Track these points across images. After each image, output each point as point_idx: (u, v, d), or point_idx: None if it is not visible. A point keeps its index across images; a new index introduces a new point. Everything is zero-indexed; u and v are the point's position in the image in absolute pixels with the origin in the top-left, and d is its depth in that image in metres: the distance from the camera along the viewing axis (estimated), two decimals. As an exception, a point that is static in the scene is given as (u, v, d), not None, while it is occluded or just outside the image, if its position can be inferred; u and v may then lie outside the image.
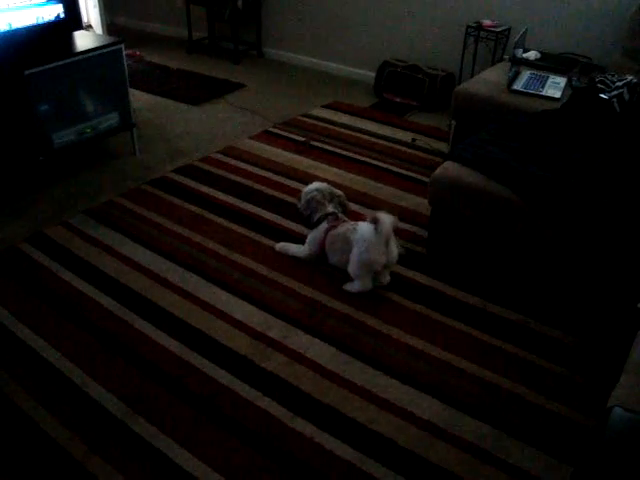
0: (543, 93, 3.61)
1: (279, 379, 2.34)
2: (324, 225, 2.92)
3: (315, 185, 3.04)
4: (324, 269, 2.96)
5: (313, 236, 2.97)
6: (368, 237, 2.71)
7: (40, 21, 3.50)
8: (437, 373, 2.39)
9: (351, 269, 2.80)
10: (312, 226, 2.98)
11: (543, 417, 2.21)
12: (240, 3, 5.73)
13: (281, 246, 3.10)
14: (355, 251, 2.76)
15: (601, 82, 3.31)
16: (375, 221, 2.68)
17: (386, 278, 2.86)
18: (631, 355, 1.80)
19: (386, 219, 2.67)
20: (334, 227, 2.88)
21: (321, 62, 5.81)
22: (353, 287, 2.82)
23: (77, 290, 2.78)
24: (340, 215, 2.97)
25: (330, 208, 2.97)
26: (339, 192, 3.08)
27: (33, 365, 2.37)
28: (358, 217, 3.08)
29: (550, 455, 2.07)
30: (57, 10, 3.58)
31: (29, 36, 3.46)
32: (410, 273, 2.95)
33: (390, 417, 2.20)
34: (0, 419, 2.15)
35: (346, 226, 2.85)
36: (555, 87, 3.70)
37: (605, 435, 1.41)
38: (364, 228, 2.75)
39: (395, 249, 2.79)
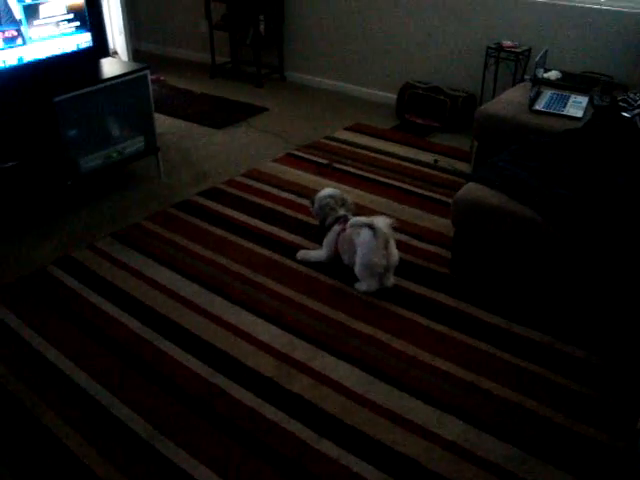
0: (565, 113, 3.61)
1: (304, 401, 2.35)
2: (336, 228, 3.08)
3: (328, 191, 3.21)
4: (347, 291, 2.97)
5: (328, 239, 3.11)
6: (367, 241, 2.84)
7: (69, 50, 3.58)
8: (462, 394, 2.39)
9: (356, 270, 2.94)
10: (326, 229, 3.13)
11: (570, 439, 2.19)
12: (262, 28, 5.81)
13: (302, 254, 3.21)
14: (358, 253, 2.90)
15: (623, 101, 3.31)
16: (371, 227, 2.82)
17: (390, 281, 2.97)
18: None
19: (382, 223, 2.85)
20: (344, 230, 3.02)
21: (343, 84, 5.86)
22: (360, 287, 2.97)
23: (104, 312, 2.82)
24: (350, 217, 3.09)
25: (341, 212, 3.15)
26: (349, 198, 3.27)
27: (61, 386, 2.40)
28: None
29: (578, 478, 2.05)
30: (85, 39, 3.66)
31: (58, 64, 3.54)
32: (434, 294, 2.95)
33: (415, 438, 2.19)
34: (29, 439, 2.18)
35: (351, 229, 2.97)
36: (577, 106, 3.70)
37: (635, 457, 1.40)
38: (364, 232, 2.88)
39: (395, 251, 2.93)
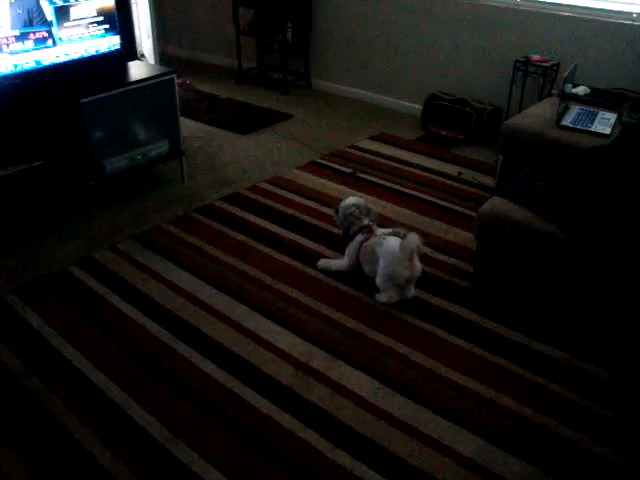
0: (592, 129, 3.57)
1: (321, 410, 2.34)
2: (360, 237, 3.06)
3: (352, 200, 3.20)
4: (367, 301, 2.96)
5: (350, 249, 3.10)
6: (393, 251, 2.85)
7: (98, 52, 3.62)
8: (480, 410, 2.36)
9: (378, 281, 2.93)
10: (349, 238, 3.12)
11: (588, 459, 2.16)
12: (289, 34, 5.83)
13: (323, 263, 3.21)
14: (381, 264, 2.89)
15: (652, 119, 3.27)
16: (403, 236, 2.85)
17: (410, 292, 2.96)
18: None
19: (412, 236, 2.82)
20: (367, 239, 3.02)
21: (368, 94, 5.85)
22: (381, 298, 2.95)
23: (123, 314, 2.83)
24: (374, 227, 3.10)
25: (366, 221, 3.12)
26: (373, 208, 3.27)
27: (79, 386, 2.42)
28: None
29: (596, 499, 2.03)
30: (115, 41, 3.69)
31: (87, 66, 3.59)
32: (454, 308, 2.93)
33: (431, 453, 2.17)
34: (46, 438, 2.19)
35: (375, 239, 2.98)
36: (605, 123, 3.66)
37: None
38: (390, 242, 2.90)
39: (419, 264, 2.93)
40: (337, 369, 2.54)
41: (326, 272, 3.16)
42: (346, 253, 3.13)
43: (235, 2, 5.93)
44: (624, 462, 2.15)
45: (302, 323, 2.81)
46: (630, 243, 2.48)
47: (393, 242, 2.87)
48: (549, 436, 2.25)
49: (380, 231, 3.03)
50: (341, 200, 3.26)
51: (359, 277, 3.07)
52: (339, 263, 3.15)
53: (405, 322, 2.83)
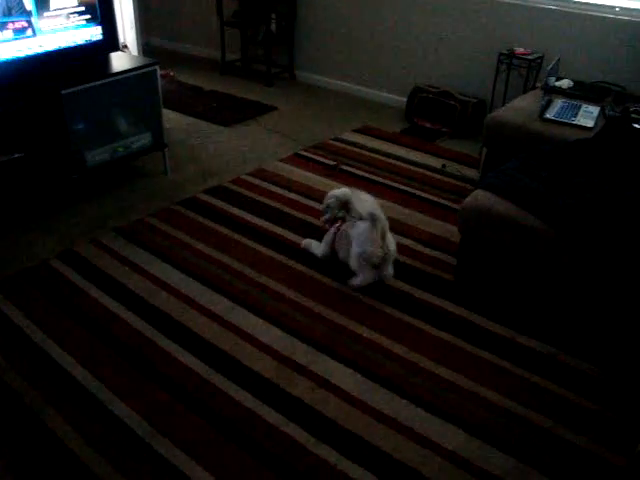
0: (576, 122, 3.58)
1: (303, 404, 2.33)
2: (335, 226, 3.13)
3: (335, 192, 3.21)
4: (351, 295, 2.95)
5: (326, 237, 3.16)
6: (364, 231, 2.87)
7: (79, 42, 3.57)
8: (463, 403, 2.36)
9: (352, 263, 2.97)
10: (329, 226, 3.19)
11: (571, 452, 2.17)
12: (274, 26, 5.80)
13: (306, 243, 3.29)
14: (354, 245, 2.92)
15: (635, 111, 3.28)
16: (371, 216, 2.85)
17: (389, 272, 3.00)
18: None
19: (381, 214, 2.87)
20: (339, 227, 3.10)
21: (353, 86, 5.84)
22: (356, 281, 2.97)
23: (105, 308, 2.80)
24: (348, 219, 3.12)
25: (340, 214, 3.16)
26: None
27: (60, 381, 2.39)
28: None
29: (578, 492, 2.03)
30: (96, 32, 3.65)
31: (68, 56, 3.53)
32: (437, 301, 2.93)
33: (415, 446, 2.17)
34: (26, 434, 2.17)
35: (347, 223, 3.04)
36: (588, 116, 3.67)
37: (636, 475, 1.38)
38: (360, 224, 2.93)
39: (392, 242, 2.96)
40: (320, 363, 2.53)
41: (308, 257, 3.23)
42: (323, 240, 3.18)
43: (219, -7, 5.90)
44: (605, 453, 2.16)
45: (285, 317, 2.79)
46: (612, 235, 2.48)
47: (363, 223, 2.91)
48: (532, 429, 2.26)
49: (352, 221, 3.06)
50: (323, 193, 3.28)
51: (333, 265, 3.11)
52: (317, 248, 3.21)
53: (388, 315, 2.83)
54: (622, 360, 2.59)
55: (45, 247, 3.25)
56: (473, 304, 2.90)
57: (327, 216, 3.18)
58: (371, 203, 2.98)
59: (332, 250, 3.11)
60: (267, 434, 2.20)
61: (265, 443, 2.16)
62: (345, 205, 3.15)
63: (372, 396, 2.38)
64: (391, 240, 2.95)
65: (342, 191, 3.20)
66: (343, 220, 3.11)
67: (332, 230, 3.12)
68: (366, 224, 2.88)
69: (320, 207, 3.28)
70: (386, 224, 2.89)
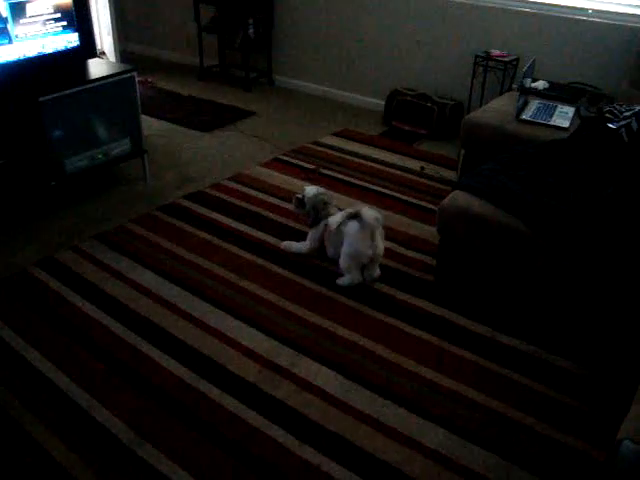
0: (551, 123, 3.63)
1: (287, 407, 2.34)
2: (324, 222, 3.14)
3: (315, 189, 3.26)
4: (333, 297, 2.96)
5: (315, 232, 3.18)
6: (354, 231, 2.88)
7: (56, 49, 3.56)
8: (445, 402, 2.39)
9: (341, 262, 2.99)
10: (313, 224, 3.21)
11: (552, 449, 2.20)
12: (251, 31, 5.80)
13: (286, 244, 3.32)
14: (344, 244, 2.94)
15: (609, 112, 3.32)
16: (357, 215, 2.89)
17: (376, 272, 3.04)
18: (640, 387, 1.79)
19: (369, 213, 2.89)
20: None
21: (331, 90, 5.86)
22: (344, 281, 3.01)
23: (86, 315, 2.79)
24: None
25: (333, 209, 3.22)
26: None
27: (41, 389, 2.38)
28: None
29: (559, 487, 2.06)
30: (72, 38, 3.64)
31: (45, 63, 3.51)
32: (418, 301, 2.95)
33: (397, 446, 2.19)
34: (8, 443, 2.16)
35: (339, 217, 3.00)
36: (563, 117, 3.72)
37: (615, 468, 1.41)
38: (350, 223, 2.92)
39: (381, 243, 2.98)
40: (303, 365, 2.54)
41: (289, 257, 3.26)
42: (308, 237, 3.23)
43: (196, -1, 5.90)
44: (588, 450, 2.19)
45: (267, 320, 2.80)
46: (589, 233, 2.52)
47: (353, 222, 2.91)
48: (513, 426, 2.28)
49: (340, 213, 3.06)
50: (296, 194, 3.28)
51: (319, 258, 3.18)
52: (301, 245, 3.26)
53: (370, 317, 2.84)
54: (601, 357, 2.62)
55: (24, 255, 3.23)
56: (453, 304, 2.93)
57: (324, 213, 3.17)
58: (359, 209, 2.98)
59: (321, 245, 3.16)
60: (251, 437, 2.20)
61: (249, 446, 2.17)
62: (322, 204, 3.20)
63: (354, 397, 2.39)
64: (380, 242, 2.97)
65: (317, 187, 3.29)
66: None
67: (323, 224, 3.14)
68: (356, 223, 2.89)
69: (300, 212, 3.30)
70: (375, 225, 2.90)
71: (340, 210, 3.14)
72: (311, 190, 3.25)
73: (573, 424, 2.30)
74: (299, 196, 3.25)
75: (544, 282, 2.72)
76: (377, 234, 2.93)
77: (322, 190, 3.27)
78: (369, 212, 2.90)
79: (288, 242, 3.31)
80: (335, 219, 3.01)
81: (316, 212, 3.18)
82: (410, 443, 2.20)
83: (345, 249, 2.95)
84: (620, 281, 2.50)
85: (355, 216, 2.91)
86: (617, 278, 2.51)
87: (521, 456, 2.16)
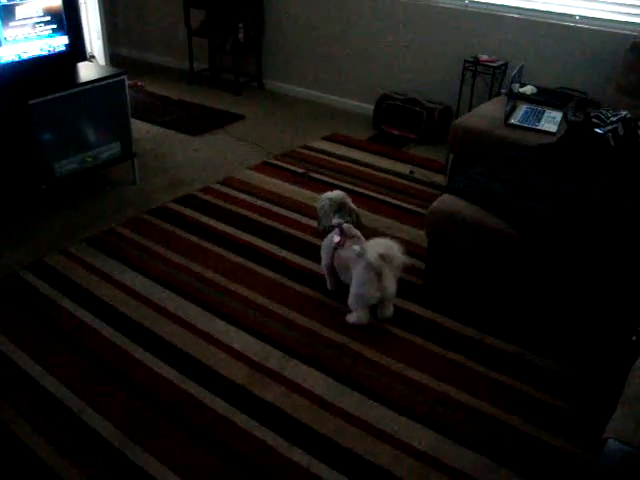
0: (539, 127, 3.66)
1: (276, 409, 2.35)
2: (332, 238, 2.91)
3: (329, 194, 3.03)
4: (321, 300, 2.98)
5: (324, 248, 2.98)
6: (360, 273, 2.71)
7: (45, 52, 3.56)
8: (433, 404, 2.40)
9: (349, 301, 2.82)
10: (323, 234, 3.01)
11: (539, 449, 2.22)
12: (241, 36, 5.82)
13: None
14: (352, 284, 2.78)
15: (596, 117, 3.35)
16: (360, 255, 2.68)
17: (388, 311, 2.82)
18: (626, 387, 1.81)
19: (373, 252, 2.64)
20: (339, 244, 2.86)
21: (321, 95, 5.88)
22: (350, 318, 2.83)
23: (76, 318, 2.79)
24: (347, 229, 2.90)
25: (335, 220, 2.95)
26: (351, 205, 3.03)
27: (31, 392, 2.38)
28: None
29: (546, 488, 2.08)
30: (62, 42, 3.64)
31: (34, 66, 3.52)
32: (407, 305, 2.97)
33: (387, 448, 2.20)
34: (-3, 447, 2.16)
35: (349, 251, 2.76)
36: (551, 121, 3.75)
37: (599, 467, 1.42)
38: (358, 263, 2.71)
39: (391, 283, 2.73)
40: (292, 368, 2.55)
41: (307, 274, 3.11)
42: (322, 249, 3.01)
43: (186, 3, 5.90)
44: (572, 449, 2.21)
45: (257, 323, 2.81)
46: (577, 238, 2.54)
47: (361, 262, 2.69)
48: (502, 428, 2.30)
49: (362, 242, 2.84)
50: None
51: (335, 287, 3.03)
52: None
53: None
54: (586, 358, 2.64)
55: (14, 258, 3.22)
56: (442, 307, 2.95)
57: (322, 226, 2.99)
58: (377, 244, 2.73)
59: (332, 265, 2.94)
60: (240, 439, 2.21)
61: (238, 448, 2.18)
62: (340, 207, 2.98)
63: (344, 400, 2.40)
64: (389, 282, 2.71)
65: (335, 193, 3.03)
66: (342, 231, 2.88)
67: (329, 239, 2.93)
68: (361, 265, 2.69)
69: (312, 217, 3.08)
70: (380, 265, 2.64)
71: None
72: (327, 193, 3.04)
73: (559, 425, 2.32)
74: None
75: (530, 284, 2.75)
76: (385, 273, 2.68)
77: (335, 198, 3.00)
78: (375, 249, 2.65)
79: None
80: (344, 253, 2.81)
81: (319, 220, 3.02)
82: (399, 445, 2.21)
83: (352, 289, 2.78)
84: (606, 283, 2.53)
85: (358, 255, 2.69)
86: (603, 280, 2.53)
87: (509, 457, 2.18)
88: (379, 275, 2.67)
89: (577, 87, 4.35)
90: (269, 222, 3.65)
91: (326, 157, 4.64)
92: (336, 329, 2.79)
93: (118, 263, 3.19)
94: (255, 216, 3.72)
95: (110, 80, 3.75)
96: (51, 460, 2.11)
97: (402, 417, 2.33)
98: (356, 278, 2.74)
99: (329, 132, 5.13)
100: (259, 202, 3.89)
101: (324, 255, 2.98)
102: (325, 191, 3.09)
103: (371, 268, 2.65)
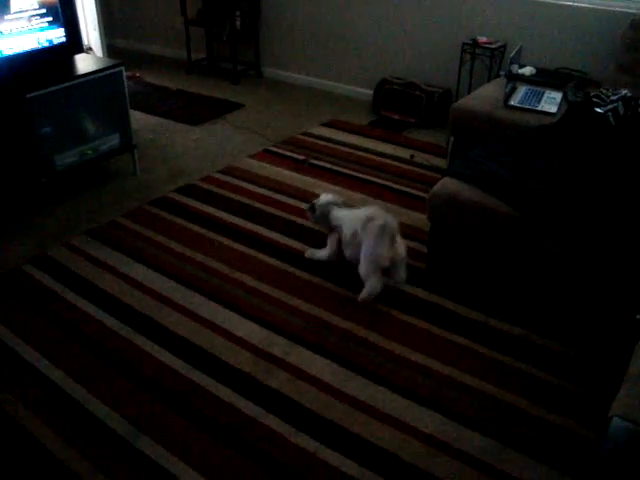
0: (539, 108, 3.65)
1: (282, 396, 2.35)
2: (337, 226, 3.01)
3: (328, 198, 3.10)
4: (325, 286, 2.98)
5: (332, 238, 3.05)
6: (374, 234, 2.76)
7: (42, 45, 3.55)
8: (439, 387, 2.41)
9: (360, 269, 2.83)
10: (329, 230, 3.08)
11: (545, 429, 2.22)
12: (238, 24, 5.79)
13: (309, 253, 3.20)
14: (363, 248, 2.81)
15: (596, 96, 3.35)
16: (373, 218, 2.78)
17: (403, 274, 2.86)
18: (631, 366, 1.81)
19: (384, 216, 2.78)
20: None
21: (320, 81, 5.86)
22: (363, 294, 2.82)
23: (80, 310, 2.80)
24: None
25: (341, 213, 3.05)
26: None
27: (37, 384, 2.39)
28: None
29: (552, 467, 2.08)
30: (59, 34, 3.63)
31: (31, 60, 3.51)
32: (410, 289, 2.97)
33: (393, 432, 2.21)
34: (5, 438, 2.16)
35: (357, 223, 2.85)
36: (551, 102, 3.74)
37: (605, 445, 1.43)
38: (369, 226, 2.79)
39: (401, 244, 2.84)
40: (297, 354, 2.56)
41: (313, 261, 3.15)
42: (328, 242, 3.09)
43: (182, -8, 5.88)
44: (578, 429, 2.22)
45: (261, 311, 2.81)
46: (578, 217, 2.54)
47: (371, 225, 2.78)
48: (507, 409, 2.30)
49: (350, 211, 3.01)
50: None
51: (341, 268, 3.03)
52: (323, 252, 3.12)
53: (363, 305, 2.85)
54: (590, 339, 2.65)
55: (17, 253, 3.23)
56: (445, 290, 2.95)
57: (316, 221, 3.12)
58: (373, 210, 2.90)
59: (339, 250, 3.02)
60: (247, 426, 2.22)
61: (245, 435, 2.18)
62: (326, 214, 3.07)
63: (349, 384, 2.41)
64: (400, 242, 2.83)
65: (332, 196, 3.13)
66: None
67: (336, 229, 3.03)
68: (375, 227, 2.77)
69: (311, 216, 3.13)
70: (393, 224, 2.78)
71: (346, 207, 3.08)
72: (324, 197, 3.12)
73: (564, 405, 2.32)
74: (314, 202, 3.12)
75: (532, 266, 2.74)
76: (397, 236, 2.81)
77: (334, 198, 3.11)
78: (384, 216, 2.80)
79: (311, 250, 3.21)
80: (350, 226, 2.90)
81: (325, 219, 3.07)
82: (405, 428, 2.22)
83: (364, 253, 2.81)
84: (609, 263, 2.53)
85: (372, 219, 2.79)
86: (605, 261, 2.53)
87: (514, 438, 2.18)
88: (393, 236, 2.76)
89: (577, 67, 4.33)
90: (271, 210, 3.65)
91: (326, 143, 4.63)
92: (340, 315, 2.79)
93: (121, 254, 3.20)
94: (257, 204, 3.72)
95: (108, 72, 3.74)
96: (59, 451, 2.11)
97: (408, 400, 2.34)
98: (367, 242, 2.78)
99: (329, 118, 5.12)
100: (260, 190, 3.89)
101: (331, 246, 3.06)
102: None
103: (387, 229, 2.74)
